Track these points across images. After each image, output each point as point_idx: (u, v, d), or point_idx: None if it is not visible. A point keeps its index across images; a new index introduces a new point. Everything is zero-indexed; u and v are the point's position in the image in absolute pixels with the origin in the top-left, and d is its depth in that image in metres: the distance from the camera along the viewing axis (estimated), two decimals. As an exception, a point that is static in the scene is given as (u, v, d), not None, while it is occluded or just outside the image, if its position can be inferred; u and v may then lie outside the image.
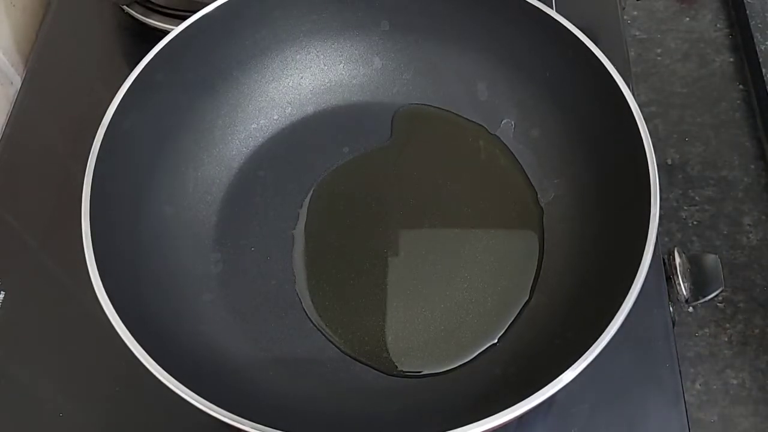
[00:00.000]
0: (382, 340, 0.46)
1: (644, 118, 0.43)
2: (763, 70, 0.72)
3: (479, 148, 0.53)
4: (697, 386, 0.59)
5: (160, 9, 0.60)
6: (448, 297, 0.47)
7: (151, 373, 0.36)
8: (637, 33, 0.80)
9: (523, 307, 0.47)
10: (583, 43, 0.46)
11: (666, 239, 0.64)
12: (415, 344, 0.46)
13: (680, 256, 0.49)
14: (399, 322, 0.47)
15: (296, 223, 0.51)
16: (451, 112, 0.55)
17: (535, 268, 0.48)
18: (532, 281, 0.47)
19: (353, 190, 0.52)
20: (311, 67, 0.56)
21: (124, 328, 0.37)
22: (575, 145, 0.49)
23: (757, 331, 0.61)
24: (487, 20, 0.51)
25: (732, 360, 0.60)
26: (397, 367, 0.45)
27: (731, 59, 0.77)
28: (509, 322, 0.46)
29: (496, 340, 0.45)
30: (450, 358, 0.45)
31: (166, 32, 0.49)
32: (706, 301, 0.47)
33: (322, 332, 0.46)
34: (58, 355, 0.48)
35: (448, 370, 0.45)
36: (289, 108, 0.55)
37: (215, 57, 0.51)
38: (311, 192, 0.52)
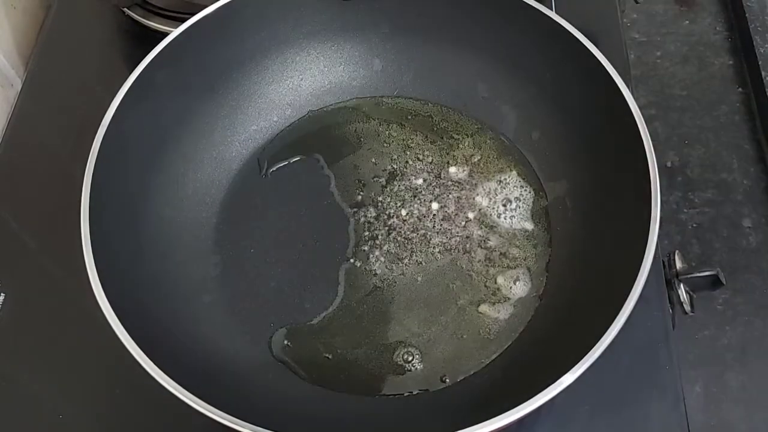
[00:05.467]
0: (383, 341, 0.46)
1: (644, 121, 0.43)
2: (763, 73, 0.72)
3: (480, 149, 0.53)
4: (697, 389, 0.59)
5: (160, 11, 0.60)
6: (448, 297, 0.47)
7: (150, 375, 0.36)
8: (636, 36, 0.79)
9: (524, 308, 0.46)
10: (584, 44, 0.46)
11: (666, 242, 0.64)
12: (416, 344, 0.46)
13: (680, 260, 0.49)
14: (400, 322, 0.47)
15: (296, 225, 0.51)
16: (451, 111, 0.55)
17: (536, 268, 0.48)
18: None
19: (353, 189, 0.52)
20: (311, 68, 0.56)
21: (124, 329, 0.37)
22: (575, 147, 0.49)
23: (757, 334, 0.61)
24: (487, 22, 0.52)
25: (732, 363, 0.60)
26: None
27: (731, 62, 0.76)
28: (510, 324, 0.46)
29: (496, 342, 0.45)
30: (450, 359, 0.45)
31: (166, 34, 0.49)
32: (697, 278, 0.47)
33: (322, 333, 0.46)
34: (58, 356, 0.48)
35: (447, 372, 0.45)
36: (289, 110, 0.55)
37: (215, 59, 0.51)
38: (311, 192, 0.52)
